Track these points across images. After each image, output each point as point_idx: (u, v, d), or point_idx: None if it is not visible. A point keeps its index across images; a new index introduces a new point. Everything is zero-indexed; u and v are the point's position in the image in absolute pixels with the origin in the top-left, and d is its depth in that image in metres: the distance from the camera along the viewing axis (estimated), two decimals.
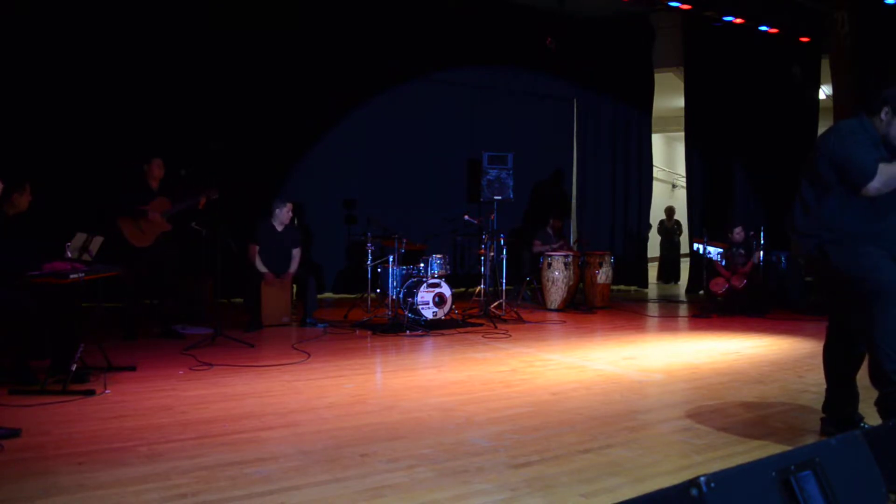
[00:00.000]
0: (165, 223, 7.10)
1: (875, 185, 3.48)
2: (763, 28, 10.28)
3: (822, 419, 4.04)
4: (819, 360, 4.10)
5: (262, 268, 7.97)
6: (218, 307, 7.27)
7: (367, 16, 10.59)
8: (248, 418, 4.23)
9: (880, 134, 3.63)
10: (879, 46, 10.10)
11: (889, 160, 3.56)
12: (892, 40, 10.16)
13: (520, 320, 8.71)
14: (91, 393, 4.74)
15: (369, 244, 8.37)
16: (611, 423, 4.20)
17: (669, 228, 15.82)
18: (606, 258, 10.40)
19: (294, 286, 8.42)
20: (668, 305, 11.09)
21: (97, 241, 5.82)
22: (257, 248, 8.01)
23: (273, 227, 8.18)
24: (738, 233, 9.98)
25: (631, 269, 13.25)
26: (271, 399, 4.72)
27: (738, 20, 10.00)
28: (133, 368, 5.51)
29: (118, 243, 6.84)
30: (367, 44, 10.61)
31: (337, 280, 10.87)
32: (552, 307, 9.92)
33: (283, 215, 8.17)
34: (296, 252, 8.27)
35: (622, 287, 13.05)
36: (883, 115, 3.63)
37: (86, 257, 5.63)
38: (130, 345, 6.64)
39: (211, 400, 4.68)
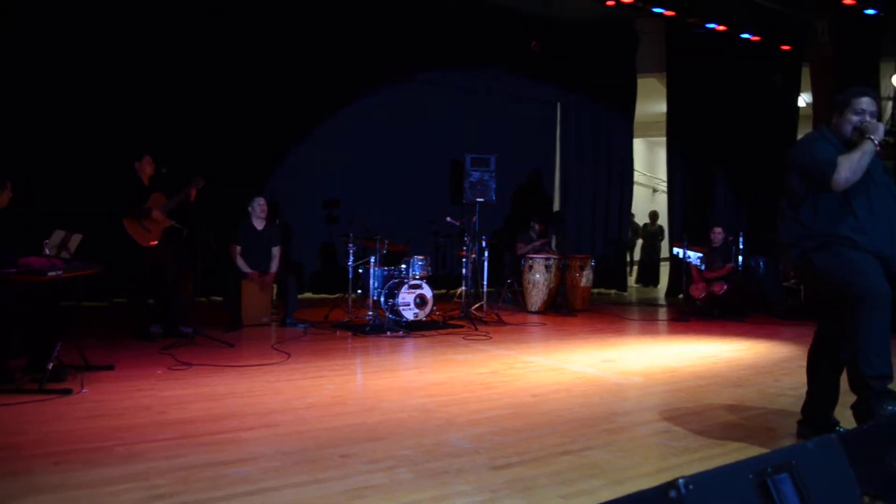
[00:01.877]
0: (167, 219, 7.06)
1: (842, 174, 3.56)
2: (745, 36, 10.38)
3: (799, 422, 4.08)
4: (796, 364, 4.16)
5: (245, 267, 7.95)
6: (197, 306, 7.23)
7: (352, 17, 10.57)
8: (228, 418, 4.21)
9: (839, 138, 3.73)
10: (858, 55, 10.23)
11: None
12: (871, 49, 10.30)
13: (501, 322, 8.73)
14: (68, 392, 4.69)
15: (351, 244, 8.36)
16: (590, 426, 4.22)
17: (652, 232, 15.92)
18: (587, 261, 10.45)
19: (275, 286, 8.39)
20: (648, 309, 11.16)
21: (76, 239, 5.76)
22: (238, 248, 7.99)
23: (253, 225, 8.16)
24: (717, 233, 10.05)
25: (611, 272, 13.32)
26: (251, 399, 4.70)
27: (721, 27, 10.10)
28: (111, 368, 5.46)
29: (127, 245, 6.81)
30: (350, 44, 10.59)
31: (318, 280, 10.84)
32: (533, 309, 9.95)
33: (257, 209, 8.17)
34: (275, 250, 8.24)
35: (602, 290, 13.11)
36: (835, 119, 3.78)
37: (64, 255, 5.57)
38: (109, 344, 6.57)
39: (190, 400, 4.65)
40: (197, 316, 7.03)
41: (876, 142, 3.59)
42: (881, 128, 3.64)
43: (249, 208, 8.21)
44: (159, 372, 5.47)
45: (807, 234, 3.73)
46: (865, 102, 3.71)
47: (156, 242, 6.97)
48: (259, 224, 8.21)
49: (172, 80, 9.25)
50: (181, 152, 8.06)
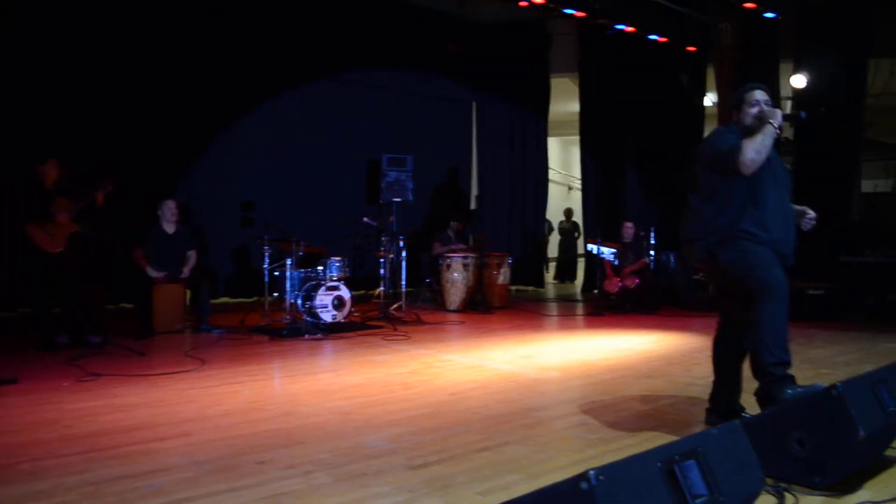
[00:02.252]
0: (72, 224, 6.79)
1: (747, 155, 3.67)
2: (653, 37, 10.66)
3: (706, 410, 4.23)
4: (705, 355, 4.29)
5: (153, 272, 7.72)
6: (107, 314, 6.99)
7: (266, 14, 10.39)
8: (139, 430, 4.09)
9: (742, 132, 3.89)
10: (759, 56, 10.66)
11: None
12: (771, 51, 10.75)
13: (419, 322, 8.75)
14: None
15: (266, 247, 8.22)
16: (508, 422, 4.28)
17: (567, 229, 16.23)
18: (505, 259, 10.58)
19: (188, 291, 8.18)
20: (565, 305, 11.37)
21: None
22: (145, 252, 7.76)
23: (163, 229, 7.94)
24: (628, 227, 10.31)
25: (528, 269, 13.50)
26: (164, 409, 4.58)
27: (630, 29, 10.35)
28: (14, 381, 5.22)
29: (30, 251, 6.54)
30: (265, 43, 10.41)
31: (233, 284, 10.61)
32: (451, 308, 10.00)
33: (166, 214, 7.96)
34: (191, 254, 8.05)
35: (520, 287, 13.27)
36: (735, 116, 3.96)
37: None
38: (12, 355, 6.29)
39: (99, 412, 4.49)
40: (106, 324, 6.80)
41: (776, 125, 3.74)
42: (779, 113, 3.81)
43: (159, 211, 7.99)
44: (66, 384, 5.26)
45: (711, 228, 3.87)
46: (759, 94, 3.91)
47: (61, 248, 6.72)
48: (170, 228, 7.99)
49: (78, 81, 8.87)
50: (87, 155, 7.77)
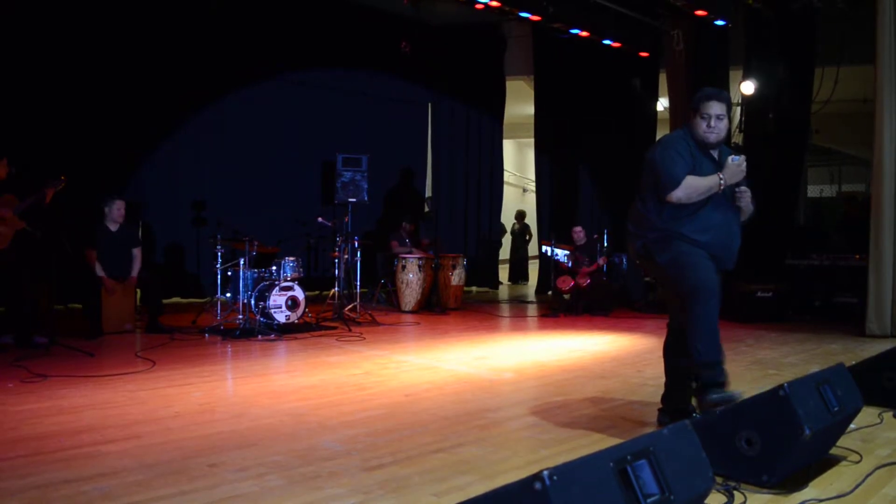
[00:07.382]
0: (19, 221, 6.60)
1: (678, 193, 3.76)
2: (606, 42, 10.78)
3: (658, 410, 4.29)
4: (656, 356, 4.36)
5: (100, 272, 7.56)
6: (54, 314, 6.83)
7: (221, 12, 10.25)
8: (87, 432, 4.00)
9: (694, 138, 3.92)
10: (710, 62, 10.86)
11: (711, 163, 3.86)
12: (721, 58, 10.96)
13: (374, 323, 8.72)
14: None
15: (219, 246, 8.11)
16: (462, 423, 4.28)
17: (516, 232, 16.35)
18: (460, 260, 10.60)
19: (138, 290, 8.03)
20: (519, 306, 11.43)
21: None
22: (96, 251, 7.60)
23: (107, 227, 7.77)
24: (577, 231, 10.41)
25: (483, 270, 13.56)
26: (112, 411, 4.48)
27: (584, 33, 10.43)
28: None
29: None
30: (219, 41, 10.28)
31: (185, 284, 10.46)
32: (406, 309, 9.99)
33: (113, 213, 7.79)
34: (136, 252, 7.89)
35: (475, 288, 13.32)
36: (690, 120, 3.96)
37: None
38: None
39: (44, 414, 4.38)
40: (53, 324, 6.64)
41: (723, 183, 3.78)
42: (733, 174, 3.80)
43: (106, 209, 7.81)
44: (10, 385, 5.13)
45: (651, 226, 3.92)
46: (714, 107, 3.85)
47: (6, 246, 6.54)
48: (113, 226, 7.82)
49: (26, 77, 8.65)
50: (34, 151, 7.56)
